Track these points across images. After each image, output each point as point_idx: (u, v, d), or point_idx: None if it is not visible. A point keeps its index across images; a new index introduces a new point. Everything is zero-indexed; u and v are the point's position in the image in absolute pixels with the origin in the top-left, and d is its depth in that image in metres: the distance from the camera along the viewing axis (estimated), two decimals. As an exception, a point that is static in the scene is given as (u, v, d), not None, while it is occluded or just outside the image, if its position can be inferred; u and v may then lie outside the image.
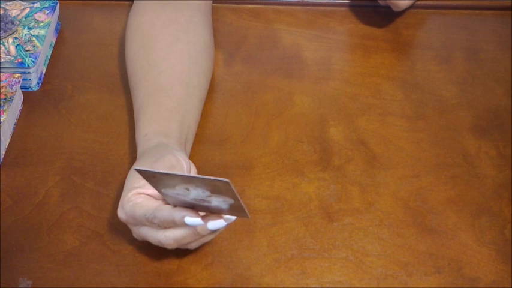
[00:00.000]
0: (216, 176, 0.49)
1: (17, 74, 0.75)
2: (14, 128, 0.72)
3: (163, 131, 0.64)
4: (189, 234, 0.55)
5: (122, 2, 0.90)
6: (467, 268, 0.61)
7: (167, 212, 0.54)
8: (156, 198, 0.57)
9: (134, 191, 0.57)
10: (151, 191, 0.57)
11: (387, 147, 0.72)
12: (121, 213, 0.58)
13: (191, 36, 0.71)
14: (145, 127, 0.64)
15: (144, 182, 0.57)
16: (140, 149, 0.63)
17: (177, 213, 0.53)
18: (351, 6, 0.90)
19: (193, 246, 0.58)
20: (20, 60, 0.76)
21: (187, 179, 0.51)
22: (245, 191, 0.67)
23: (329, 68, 0.81)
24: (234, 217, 0.54)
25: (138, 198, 0.57)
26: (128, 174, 0.60)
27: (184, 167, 0.59)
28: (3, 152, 0.70)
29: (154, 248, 0.62)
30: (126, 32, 0.74)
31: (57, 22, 0.85)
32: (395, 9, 0.86)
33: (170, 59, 0.69)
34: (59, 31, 0.85)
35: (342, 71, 0.81)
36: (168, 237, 0.55)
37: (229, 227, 0.64)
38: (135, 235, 0.59)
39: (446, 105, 0.77)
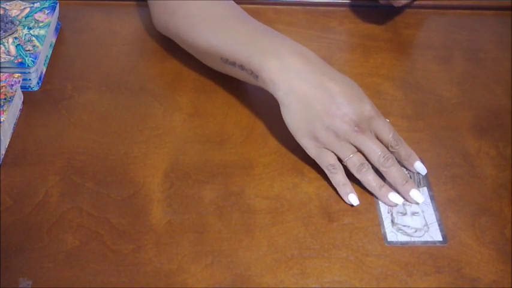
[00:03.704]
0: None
1: (17, 74, 0.75)
2: (14, 128, 0.72)
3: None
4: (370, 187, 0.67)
5: (122, 2, 0.90)
6: (467, 268, 0.61)
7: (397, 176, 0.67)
8: None
9: None
10: None
11: (387, 147, 0.72)
12: (371, 112, 0.66)
13: None
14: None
15: None
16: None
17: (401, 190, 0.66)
18: (351, 6, 0.90)
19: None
20: (20, 60, 0.76)
21: None
22: (245, 191, 0.67)
23: (329, 68, 0.81)
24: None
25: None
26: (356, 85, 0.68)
27: None
28: (3, 152, 0.70)
29: (154, 248, 0.62)
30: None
31: (57, 22, 0.85)
32: (396, 5, 0.85)
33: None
34: (59, 31, 0.85)
35: (342, 71, 0.80)
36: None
37: (229, 226, 0.64)
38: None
39: (446, 105, 0.77)
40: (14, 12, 0.83)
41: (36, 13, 0.83)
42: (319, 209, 0.66)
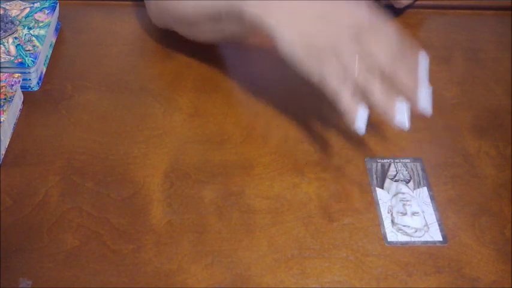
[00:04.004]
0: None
1: (17, 74, 0.75)
2: (14, 128, 0.72)
3: None
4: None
5: (122, 2, 0.90)
6: (467, 268, 0.61)
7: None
8: None
9: None
10: None
11: (387, 147, 0.72)
12: (363, 14, 0.63)
13: None
14: None
15: None
16: None
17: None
18: (351, 6, 0.90)
19: None
20: (20, 60, 0.76)
21: None
22: (245, 191, 0.67)
23: (329, 68, 0.81)
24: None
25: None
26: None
27: None
28: (3, 152, 0.70)
29: (154, 248, 0.62)
30: None
31: (57, 22, 0.85)
32: (397, 6, 0.85)
33: None
34: (59, 31, 0.85)
35: (342, 71, 0.81)
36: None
37: (229, 226, 0.64)
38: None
39: (446, 105, 0.77)
40: (14, 12, 0.83)
41: (36, 13, 0.83)
42: (319, 209, 0.66)
